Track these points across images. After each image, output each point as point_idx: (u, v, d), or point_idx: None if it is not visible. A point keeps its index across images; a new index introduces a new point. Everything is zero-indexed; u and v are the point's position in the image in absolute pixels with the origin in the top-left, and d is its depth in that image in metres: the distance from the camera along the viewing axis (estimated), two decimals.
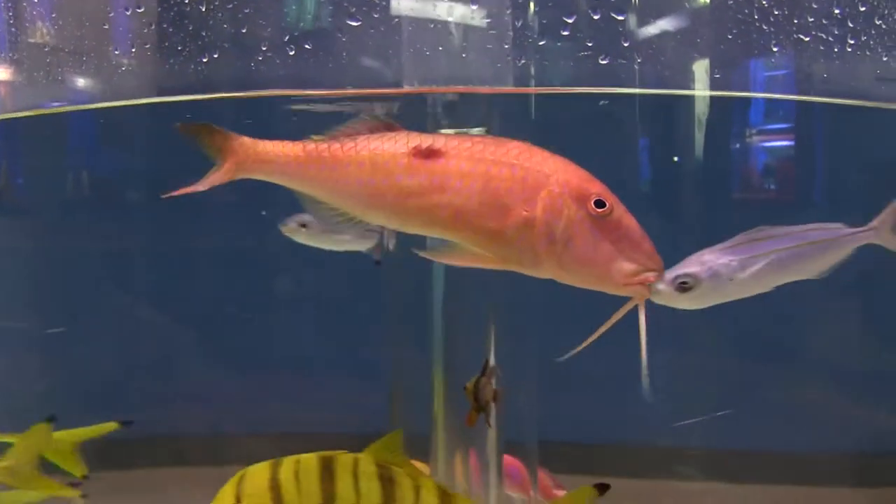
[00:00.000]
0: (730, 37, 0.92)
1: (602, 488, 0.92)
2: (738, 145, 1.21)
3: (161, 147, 1.30)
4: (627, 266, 0.79)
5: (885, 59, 0.97)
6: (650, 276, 0.80)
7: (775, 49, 0.92)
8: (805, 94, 1.01)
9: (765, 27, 0.92)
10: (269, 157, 0.85)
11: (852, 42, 0.95)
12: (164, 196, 0.84)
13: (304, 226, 1.30)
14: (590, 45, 0.99)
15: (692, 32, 0.93)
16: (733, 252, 1.00)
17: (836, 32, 0.93)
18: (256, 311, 1.44)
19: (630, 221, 0.80)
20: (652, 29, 0.95)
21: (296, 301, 1.46)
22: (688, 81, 0.97)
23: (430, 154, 0.83)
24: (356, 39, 1.07)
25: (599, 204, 0.79)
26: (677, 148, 1.21)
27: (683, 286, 0.97)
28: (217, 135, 0.86)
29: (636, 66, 0.95)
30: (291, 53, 1.07)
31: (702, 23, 0.96)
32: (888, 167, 1.18)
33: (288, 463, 0.88)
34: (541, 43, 1.05)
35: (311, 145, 0.85)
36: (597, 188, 0.80)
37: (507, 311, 1.26)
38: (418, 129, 1.04)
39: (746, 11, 0.93)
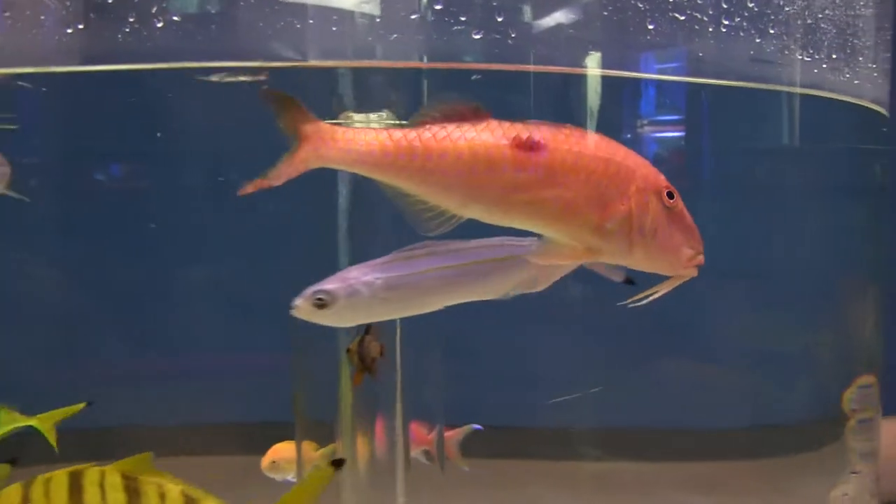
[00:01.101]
0: (605, 13, 0.93)
1: (338, 464, 0.93)
2: (616, 125, 1.23)
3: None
4: (688, 251, 0.86)
5: (758, 40, 1.00)
6: (701, 258, 0.86)
7: (651, 27, 0.94)
8: (681, 75, 1.03)
9: (640, 4, 0.93)
10: (354, 145, 0.81)
11: (727, 23, 0.98)
12: (241, 194, 0.79)
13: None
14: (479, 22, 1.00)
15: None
16: (384, 269, 0.93)
17: (711, 13, 0.96)
18: (160, 298, 1.42)
19: (685, 210, 0.86)
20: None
21: (195, 287, 1.44)
22: (559, 59, 0.98)
23: (532, 146, 0.81)
24: (257, 12, 1.07)
25: (670, 196, 0.84)
26: None
27: (319, 302, 0.93)
28: (297, 112, 0.80)
29: (510, 42, 0.96)
30: (192, 25, 1.07)
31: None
32: (767, 150, 1.22)
33: (39, 481, 0.90)
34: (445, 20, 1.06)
35: (398, 133, 0.81)
36: (665, 181, 0.85)
37: None
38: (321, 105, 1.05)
39: None
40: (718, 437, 1.36)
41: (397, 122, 1.22)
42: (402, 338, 1.26)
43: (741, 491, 1.32)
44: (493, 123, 0.81)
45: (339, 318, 0.95)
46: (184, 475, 1.13)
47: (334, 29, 1.13)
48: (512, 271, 0.93)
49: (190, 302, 1.37)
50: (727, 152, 1.22)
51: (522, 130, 0.80)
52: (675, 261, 0.86)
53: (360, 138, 0.80)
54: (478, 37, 1.03)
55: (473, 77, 1.01)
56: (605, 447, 1.38)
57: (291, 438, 1.29)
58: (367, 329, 1.09)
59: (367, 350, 1.09)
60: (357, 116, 1.21)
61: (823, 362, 1.27)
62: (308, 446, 1.30)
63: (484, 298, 0.94)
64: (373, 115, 1.22)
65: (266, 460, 1.28)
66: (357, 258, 1.00)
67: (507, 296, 0.94)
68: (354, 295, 0.92)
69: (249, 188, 0.79)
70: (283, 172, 0.81)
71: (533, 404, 1.38)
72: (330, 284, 0.93)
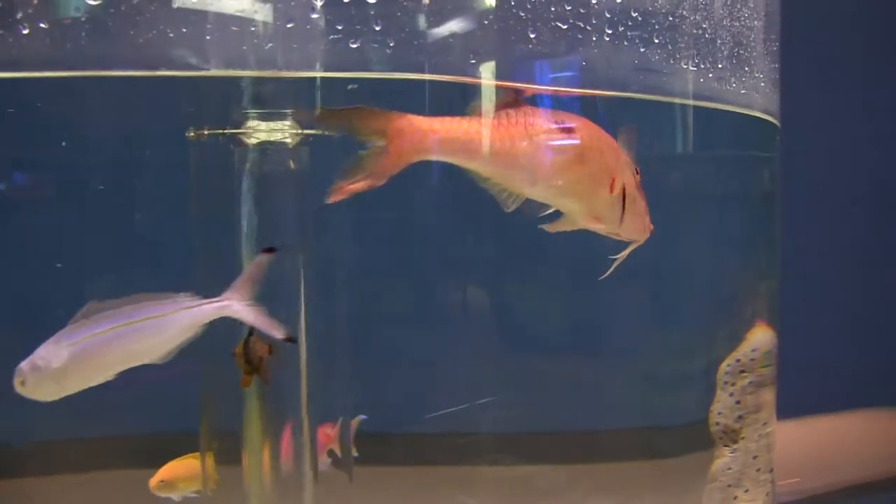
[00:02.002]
0: (486, 22, 0.94)
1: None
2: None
3: None
4: (647, 218, 0.98)
5: (642, 49, 1.02)
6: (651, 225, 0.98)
7: (532, 35, 0.95)
8: (573, 86, 1.04)
9: (521, 13, 0.94)
10: (447, 135, 0.83)
11: (610, 31, 0.99)
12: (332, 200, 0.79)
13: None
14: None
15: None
16: (66, 336, 0.89)
17: (594, 22, 0.97)
18: (47, 308, 1.39)
19: None
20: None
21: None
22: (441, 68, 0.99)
23: (569, 131, 0.90)
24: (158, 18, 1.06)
25: (637, 171, 0.95)
26: None
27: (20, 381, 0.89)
28: (377, 117, 0.81)
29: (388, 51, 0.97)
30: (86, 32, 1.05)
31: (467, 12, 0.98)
32: (661, 160, 1.24)
33: None
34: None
35: (475, 122, 0.85)
36: None
37: (317, 305, 1.26)
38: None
39: None
40: (619, 439, 1.37)
41: (300, 131, 1.22)
42: (307, 344, 1.25)
43: (641, 491, 1.34)
44: (533, 109, 0.89)
45: (40, 393, 0.90)
46: (71, 492, 1.10)
47: (234, 37, 1.12)
48: (173, 330, 0.92)
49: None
50: None
51: (556, 116, 0.90)
52: (644, 227, 0.98)
53: (450, 128, 0.83)
54: (374, 46, 1.03)
55: (349, 86, 1.00)
56: (519, 452, 1.39)
57: (188, 451, 1.27)
58: (251, 329, 1.07)
59: (253, 351, 1.07)
60: (260, 125, 1.21)
61: (716, 365, 1.30)
62: (210, 460, 1.28)
63: (151, 361, 0.93)
64: (275, 124, 1.21)
65: (155, 479, 1.25)
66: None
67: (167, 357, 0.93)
68: (36, 371, 0.88)
69: (345, 191, 0.81)
70: (385, 170, 0.83)
71: (443, 410, 1.38)
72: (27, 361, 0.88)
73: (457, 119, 0.85)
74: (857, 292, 2.66)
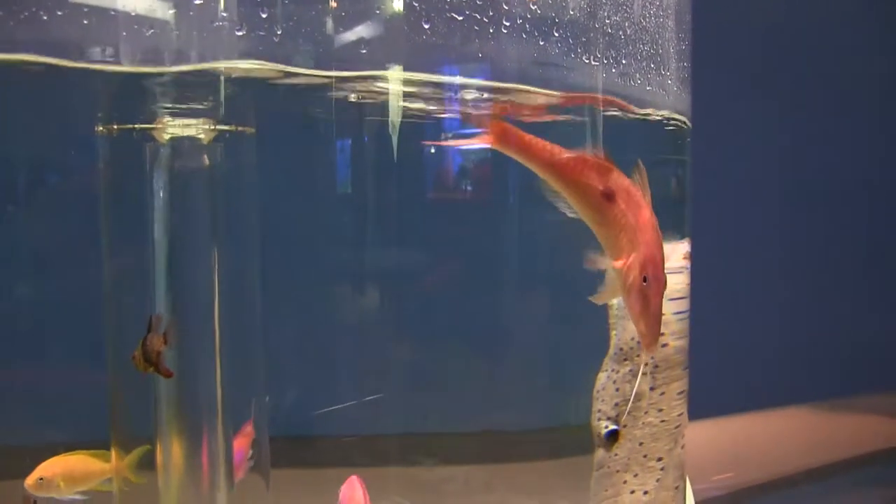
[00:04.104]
0: (377, 11, 0.95)
1: None
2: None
3: None
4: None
5: (541, 43, 1.03)
6: None
7: (426, 26, 0.96)
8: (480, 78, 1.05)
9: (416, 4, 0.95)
10: (531, 143, 0.97)
11: (507, 24, 1.00)
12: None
13: None
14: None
15: None
16: None
17: (491, 14, 0.98)
18: None
19: None
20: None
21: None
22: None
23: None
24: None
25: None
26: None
27: None
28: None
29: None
30: None
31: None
32: None
33: None
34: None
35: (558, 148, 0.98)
36: None
37: (231, 304, 1.25)
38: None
39: None
40: (524, 439, 1.38)
41: (214, 127, 1.21)
42: (220, 349, 1.24)
43: (548, 490, 1.34)
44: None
45: None
46: None
47: (145, 32, 1.11)
48: None
49: None
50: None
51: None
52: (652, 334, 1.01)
53: (530, 138, 0.98)
54: (276, 40, 1.04)
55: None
56: (436, 454, 1.39)
57: None
58: (148, 327, 1.06)
59: (151, 347, 1.06)
60: (173, 122, 1.20)
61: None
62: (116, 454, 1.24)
63: None
64: (191, 121, 1.20)
65: (32, 478, 1.19)
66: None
67: None
68: None
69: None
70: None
71: (358, 412, 1.38)
72: None
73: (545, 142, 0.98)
74: (777, 291, 2.71)
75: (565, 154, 0.98)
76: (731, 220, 2.61)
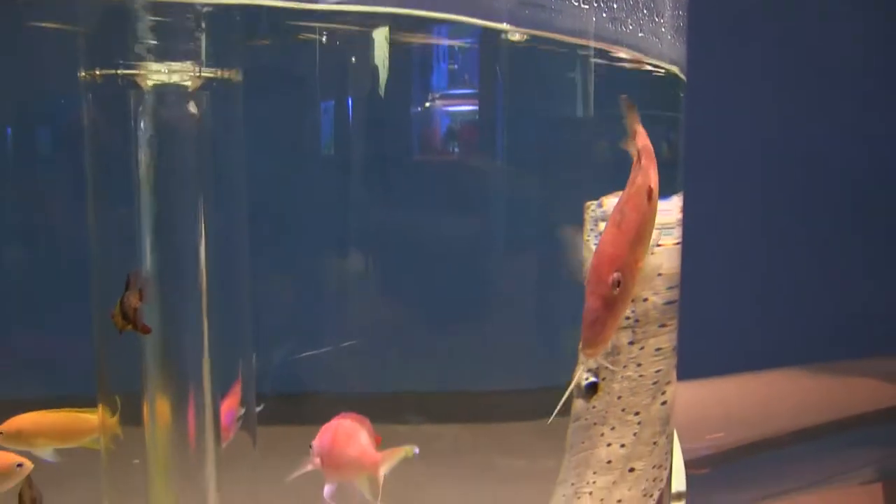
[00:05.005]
0: None
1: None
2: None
3: None
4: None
5: None
6: None
7: None
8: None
9: None
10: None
11: None
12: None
13: None
14: None
15: None
16: None
17: None
18: None
19: None
20: None
21: None
22: None
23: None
24: None
25: None
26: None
27: None
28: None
29: None
30: None
31: None
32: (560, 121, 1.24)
33: None
34: None
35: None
36: None
37: (218, 258, 1.24)
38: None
39: None
40: (511, 399, 1.37)
41: (199, 73, 1.19)
42: (207, 303, 1.22)
43: (534, 451, 1.35)
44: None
45: None
46: None
47: None
48: None
49: None
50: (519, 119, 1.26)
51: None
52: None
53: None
54: None
55: None
56: (425, 412, 1.38)
57: None
58: (126, 285, 1.05)
59: (128, 305, 1.04)
60: (155, 66, 1.18)
61: None
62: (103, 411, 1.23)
63: None
64: (175, 65, 1.18)
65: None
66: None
67: None
68: None
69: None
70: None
71: (346, 370, 1.37)
72: None
73: None
74: (765, 254, 2.71)
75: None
76: (726, 174, 2.61)
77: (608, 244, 0.93)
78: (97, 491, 1.24)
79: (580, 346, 0.93)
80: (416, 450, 1.14)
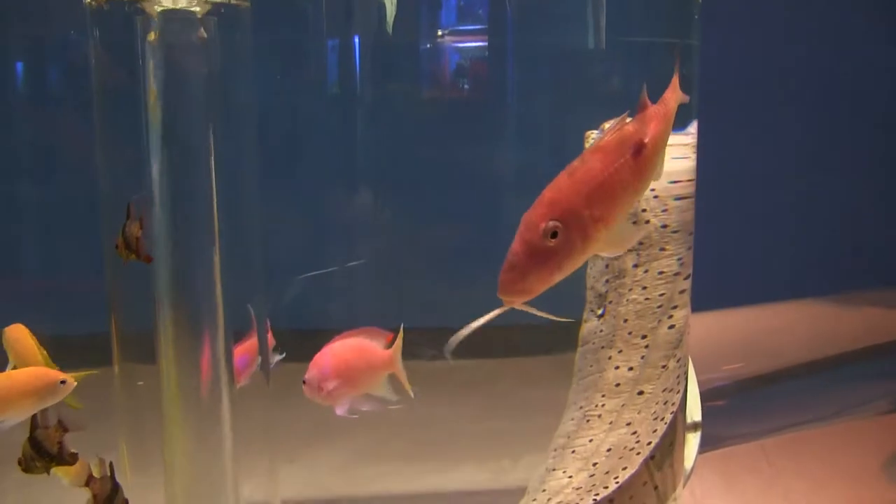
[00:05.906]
0: None
1: None
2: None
3: None
4: None
5: None
6: None
7: None
8: None
9: None
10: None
11: None
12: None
13: None
14: None
15: None
16: None
17: None
18: None
19: None
20: None
21: None
22: None
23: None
24: None
25: None
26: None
27: None
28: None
29: None
30: None
31: None
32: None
33: None
34: None
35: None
36: None
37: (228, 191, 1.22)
38: None
39: None
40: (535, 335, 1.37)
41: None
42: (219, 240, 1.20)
43: (552, 382, 1.35)
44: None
45: None
46: None
47: None
48: None
49: None
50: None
51: None
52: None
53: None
54: None
55: None
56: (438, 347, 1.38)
57: None
58: (126, 214, 1.03)
59: (130, 234, 1.02)
60: None
61: None
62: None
63: None
64: None
65: None
66: None
67: None
68: None
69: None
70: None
71: (358, 307, 1.37)
72: None
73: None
74: (784, 184, 2.70)
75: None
76: (746, 109, 2.57)
77: (551, 188, 0.83)
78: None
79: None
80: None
